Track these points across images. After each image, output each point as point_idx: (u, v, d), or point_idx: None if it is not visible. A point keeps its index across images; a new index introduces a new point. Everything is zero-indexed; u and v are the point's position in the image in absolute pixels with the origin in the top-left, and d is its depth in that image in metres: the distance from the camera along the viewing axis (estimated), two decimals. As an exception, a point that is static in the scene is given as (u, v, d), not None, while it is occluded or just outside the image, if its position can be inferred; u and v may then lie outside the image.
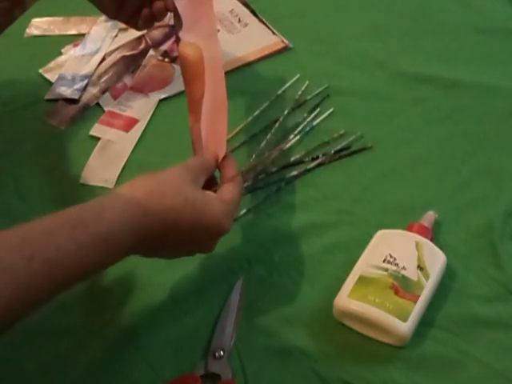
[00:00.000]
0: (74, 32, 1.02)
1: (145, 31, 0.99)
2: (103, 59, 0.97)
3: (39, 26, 1.04)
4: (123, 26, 1.00)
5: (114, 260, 0.56)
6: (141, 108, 0.89)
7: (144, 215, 0.56)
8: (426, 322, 0.63)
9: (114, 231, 0.54)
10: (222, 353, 0.62)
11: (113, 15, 0.85)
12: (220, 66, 0.75)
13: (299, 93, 0.88)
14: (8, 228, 0.50)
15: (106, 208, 0.55)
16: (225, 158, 0.68)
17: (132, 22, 0.85)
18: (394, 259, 0.64)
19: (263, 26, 1.00)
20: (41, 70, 0.95)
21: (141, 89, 0.92)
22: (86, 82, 0.93)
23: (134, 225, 0.55)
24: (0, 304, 0.48)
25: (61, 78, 0.94)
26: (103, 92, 0.92)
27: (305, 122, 0.85)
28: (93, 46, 0.99)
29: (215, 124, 0.69)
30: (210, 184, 0.66)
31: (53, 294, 0.52)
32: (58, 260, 0.51)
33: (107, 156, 0.83)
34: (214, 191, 0.64)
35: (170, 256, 0.64)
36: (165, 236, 0.58)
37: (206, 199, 0.61)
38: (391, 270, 0.63)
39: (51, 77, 0.94)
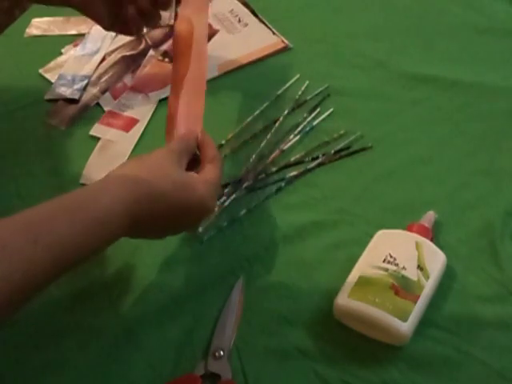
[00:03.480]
0: (73, 32, 1.02)
1: (145, 31, 0.99)
2: (103, 59, 0.97)
3: (39, 26, 1.04)
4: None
5: (110, 242, 0.59)
6: (141, 108, 0.89)
7: (135, 201, 0.58)
8: (426, 322, 0.63)
9: (110, 215, 0.57)
10: (221, 353, 0.62)
11: (108, 27, 0.86)
12: (205, 42, 0.76)
13: (299, 93, 0.88)
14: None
15: (101, 194, 0.58)
16: (203, 137, 0.69)
17: (126, 30, 0.86)
18: (394, 259, 0.64)
19: (263, 26, 1.00)
20: (41, 70, 0.95)
21: (141, 89, 0.92)
22: (85, 82, 0.93)
23: (127, 211, 0.57)
24: (12, 286, 0.49)
25: (61, 78, 0.94)
26: (103, 92, 0.92)
27: (305, 122, 0.85)
28: (93, 45, 0.99)
29: (194, 102, 0.72)
30: (193, 163, 0.67)
31: (55, 277, 0.54)
32: (60, 245, 0.53)
33: (107, 156, 0.83)
34: (197, 172, 0.66)
35: (158, 237, 0.66)
36: (155, 218, 0.61)
37: (191, 182, 0.63)
38: (391, 270, 0.63)
39: (51, 77, 0.94)
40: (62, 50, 0.99)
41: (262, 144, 0.82)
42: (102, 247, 0.59)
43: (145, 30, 0.99)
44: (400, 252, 0.65)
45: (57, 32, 1.02)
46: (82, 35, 1.01)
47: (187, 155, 0.66)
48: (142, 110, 0.89)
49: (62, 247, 0.53)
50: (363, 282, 0.63)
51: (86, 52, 0.98)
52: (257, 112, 0.86)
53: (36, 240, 0.51)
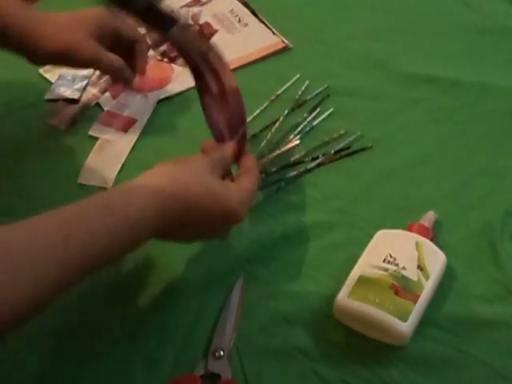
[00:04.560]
0: (73, 32, 1.02)
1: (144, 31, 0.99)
2: (103, 59, 0.97)
3: (39, 26, 1.03)
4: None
5: (140, 243, 0.59)
6: (139, 108, 0.89)
7: (168, 203, 0.59)
8: (426, 322, 0.63)
9: (141, 217, 0.57)
10: (221, 353, 0.62)
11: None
12: None
13: (299, 93, 0.88)
14: None
15: (134, 195, 0.58)
16: (242, 152, 0.70)
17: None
18: (394, 259, 0.64)
19: (263, 26, 1.00)
20: (41, 70, 0.95)
21: (140, 89, 0.92)
22: (85, 82, 0.93)
23: (158, 211, 0.58)
24: (46, 283, 0.51)
25: (61, 78, 0.94)
26: (103, 92, 0.92)
27: (305, 122, 0.85)
28: (93, 45, 0.99)
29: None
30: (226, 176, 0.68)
31: (83, 276, 0.55)
32: (91, 244, 0.54)
33: (106, 156, 0.83)
34: (231, 180, 0.67)
35: (189, 240, 0.67)
36: (186, 221, 0.61)
37: (224, 188, 0.64)
38: (391, 269, 0.63)
39: (51, 77, 0.94)
40: (62, 50, 0.99)
41: (262, 144, 0.82)
42: (130, 249, 0.59)
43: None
44: (400, 252, 0.65)
45: (57, 32, 1.02)
46: (81, 35, 1.01)
47: (222, 167, 0.66)
48: (140, 110, 0.89)
49: (92, 246, 0.54)
50: (363, 282, 0.63)
51: (85, 52, 0.98)
52: (257, 112, 0.86)
53: (67, 237, 0.52)
